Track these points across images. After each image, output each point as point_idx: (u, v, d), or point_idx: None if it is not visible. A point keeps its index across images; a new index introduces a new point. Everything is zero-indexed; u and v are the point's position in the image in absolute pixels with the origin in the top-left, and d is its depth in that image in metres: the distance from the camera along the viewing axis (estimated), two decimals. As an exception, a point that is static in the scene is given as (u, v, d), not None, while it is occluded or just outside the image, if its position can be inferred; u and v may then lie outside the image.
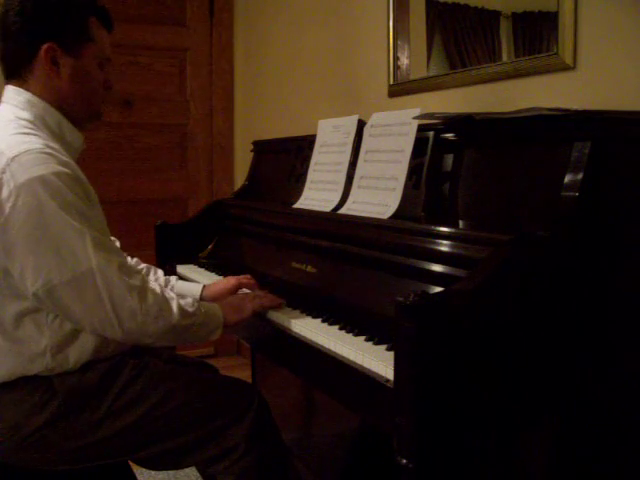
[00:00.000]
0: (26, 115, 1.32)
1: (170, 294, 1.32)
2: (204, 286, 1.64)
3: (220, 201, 2.33)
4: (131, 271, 1.28)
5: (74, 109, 1.39)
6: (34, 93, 1.35)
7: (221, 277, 1.87)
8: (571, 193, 1.13)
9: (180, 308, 1.30)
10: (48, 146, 1.25)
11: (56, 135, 1.35)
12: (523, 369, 1.07)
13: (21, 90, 1.35)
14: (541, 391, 1.10)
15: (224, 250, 2.18)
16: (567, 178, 1.15)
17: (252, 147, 2.47)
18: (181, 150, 3.55)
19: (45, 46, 1.32)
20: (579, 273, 1.11)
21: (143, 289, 1.26)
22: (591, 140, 1.14)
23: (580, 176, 1.13)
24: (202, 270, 2.02)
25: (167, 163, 3.52)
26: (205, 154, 3.60)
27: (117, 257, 1.26)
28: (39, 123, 1.32)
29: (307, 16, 2.88)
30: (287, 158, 2.07)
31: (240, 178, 3.40)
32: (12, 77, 1.37)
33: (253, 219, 2.04)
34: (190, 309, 1.32)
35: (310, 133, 1.96)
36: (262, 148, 2.41)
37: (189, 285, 1.66)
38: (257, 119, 3.45)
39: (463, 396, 1.02)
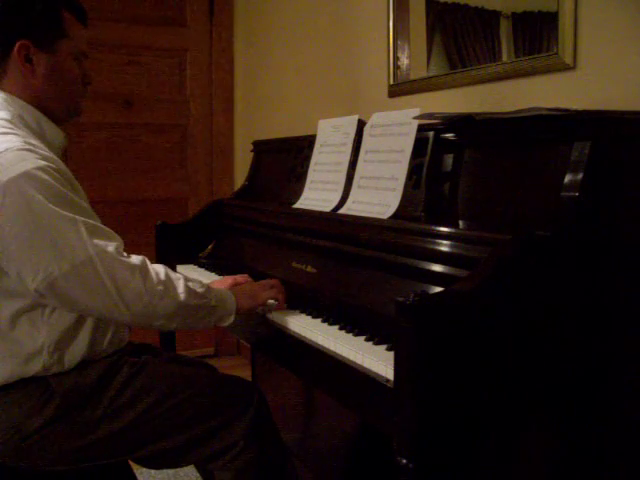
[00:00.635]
0: (3, 115, 1.30)
1: (176, 274, 1.30)
2: None
3: (220, 201, 2.33)
4: (129, 252, 1.27)
5: (52, 106, 1.38)
6: (10, 92, 1.34)
7: (221, 277, 1.87)
8: (571, 193, 1.13)
9: (187, 287, 1.28)
10: (28, 142, 1.24)
11: (36, 133, 1.33)
12: (523, 369, 1.07)
13: None
14: (541, 391, 1.10)
15: (224, 250, 2.18)
16: (567, 178, 1.15)
17: (252, 147, 2.47)
18: (181, 150, 3.55)
19: (18, 44, 1.31)
20: (579, 273, 1.11)
21: (145, 268, 1.25)
22: (591, 140, 1.14)
23: (580, 176, 1.13)
24: (202, 270, 2.02)
25: (167, 163, 3.51)
26: (205, 154, 3.60)
27: (113, 240, 1.25)
28: (17, 122, 1.31)
29: (307, 16, 2.88)
30: (287, 158, 2.07)
31: (240, 178, 3.40)
32: None
33: (253, 219, 2.04)
34: (199, 290, 1.31)
35: (310, 133, 1.96)
36: (262, 148, 2.41)
37: None
38: (257, 119, 3.45)
39: (463, 396, 1.02)
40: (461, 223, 1.40)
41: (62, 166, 1.28)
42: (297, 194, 1.89)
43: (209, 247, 2.23)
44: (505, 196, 1.33)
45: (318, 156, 1.87)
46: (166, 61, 3.47)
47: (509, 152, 1.36)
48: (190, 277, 1.35)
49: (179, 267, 2.08)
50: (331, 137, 1.83)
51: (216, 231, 2.23)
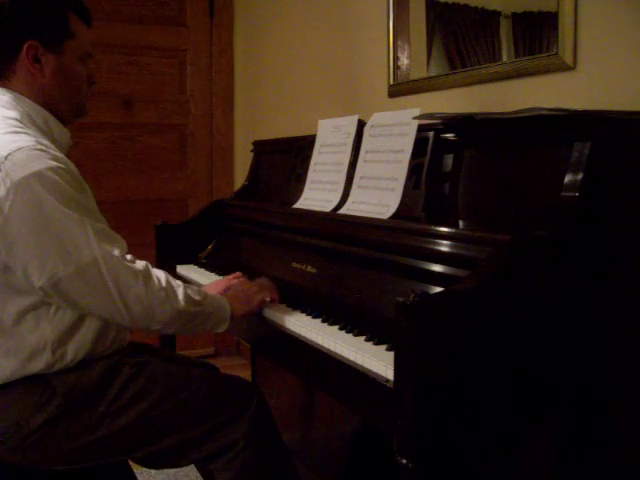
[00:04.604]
0: (13, 114, 1.32)
1: (176, 281, 1.33)
2: None
3: (220, 201, 2.33)
4: (134, 257, 1.30)
5: (59, 106, 1.40)
6: (18, 92, 1.36)
7: (221, 277, 1.87)
8: (571, 193, 1.13)
9: (186, 295, 1.31)
10: (39, 142, 1.26)
11: (44, 132, 1.35)
12: (523, 369, 1.07)
13: (5, 89, 1.36)
14: (542, 391, 1.10)
15: (224, 250, 2.18)
16: (567, 178, 1.15)
17: (252, 147, 2.47)
18: (181, 150, 3.55)
19: (26, 44, 1.33)
20: (579, 273, 1.11)
21: (147, 273, 1.28)
22: (591, 140, 1.14)
23: (580, 176, 1.13)
24: (202, 270, 2.02)
25: (167, 163, 3.51)
26: (205, 154, 3.60)
27: (119, 244, 1.28)
28: (26, 121, 1.33)
29: (307, 16, 2.88)
30: (287, 158, 2.07)
31: (240, 178, 3.40)
32: None
33: (253, 219, 2.04)
34: (197, 297, 1.34)
35: (310, 133, 1.96)
36: (262, 148, 2.41)
37: None
38: (257, 119, 3.45)
39: (463, 396, 1.02)
40: (461, 223, 1.40)
41: (72, 167, 1.30)
42: (297, 194, 1.89)
43: (209, 247, 2.23)
44: (505, 196, 1.33)
45: (318, 156, 1.87)
46: (166, 61, 3.47)
47: (509, 152, 1.36)
48: (188, 284, 1.38)
49: (179, 267, 2.08)
50: (331, 137, 1.83)
51: (216, 231, 2.23)
